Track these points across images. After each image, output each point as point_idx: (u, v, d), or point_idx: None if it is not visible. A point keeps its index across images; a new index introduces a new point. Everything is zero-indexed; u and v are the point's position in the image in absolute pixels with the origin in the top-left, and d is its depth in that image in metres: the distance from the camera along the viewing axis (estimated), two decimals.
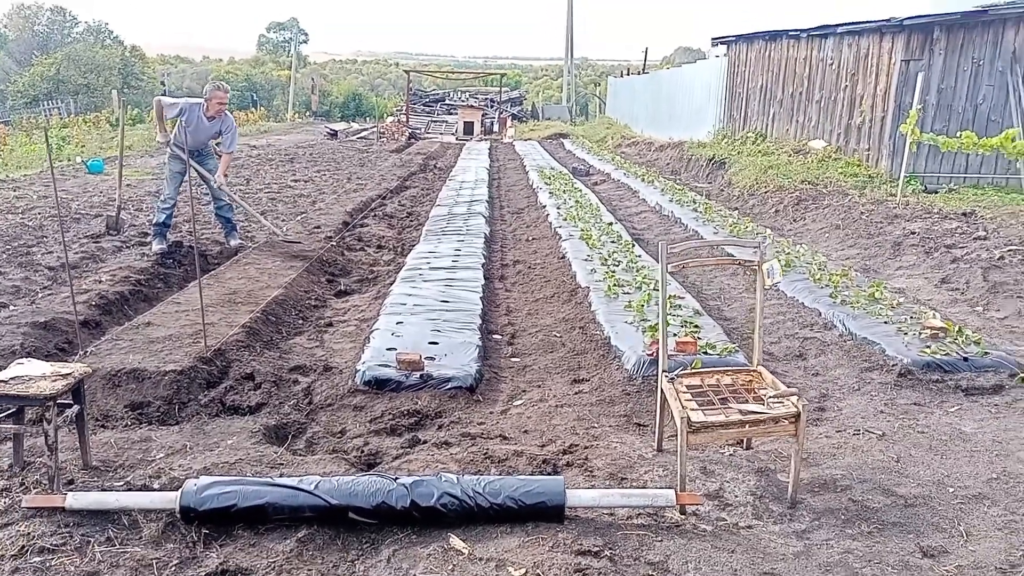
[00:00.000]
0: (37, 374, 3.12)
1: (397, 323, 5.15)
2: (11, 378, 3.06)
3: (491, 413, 4.12)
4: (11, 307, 5.41)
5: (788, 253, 6.75)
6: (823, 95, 13.04)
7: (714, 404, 3.18)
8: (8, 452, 3.35)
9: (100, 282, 5.96)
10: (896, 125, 10.85)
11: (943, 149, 9.07)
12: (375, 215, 10.01)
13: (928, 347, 4.45)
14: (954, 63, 10.89)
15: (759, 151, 13.65)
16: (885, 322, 4.94)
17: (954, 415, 3.80)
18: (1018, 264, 6.06)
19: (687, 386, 3.34)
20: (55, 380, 3.10)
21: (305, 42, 76.76)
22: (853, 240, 7.72)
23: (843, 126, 12.33)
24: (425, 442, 3.73)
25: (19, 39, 53.43)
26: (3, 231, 7.68)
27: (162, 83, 39.84)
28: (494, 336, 5.35)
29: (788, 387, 3.26)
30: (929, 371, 4.22)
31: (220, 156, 7.37)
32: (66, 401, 3.20)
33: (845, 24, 12.40)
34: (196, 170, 7.25)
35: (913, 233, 7.34)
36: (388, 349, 4.61)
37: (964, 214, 7.88)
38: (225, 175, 7.36)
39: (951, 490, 3.08)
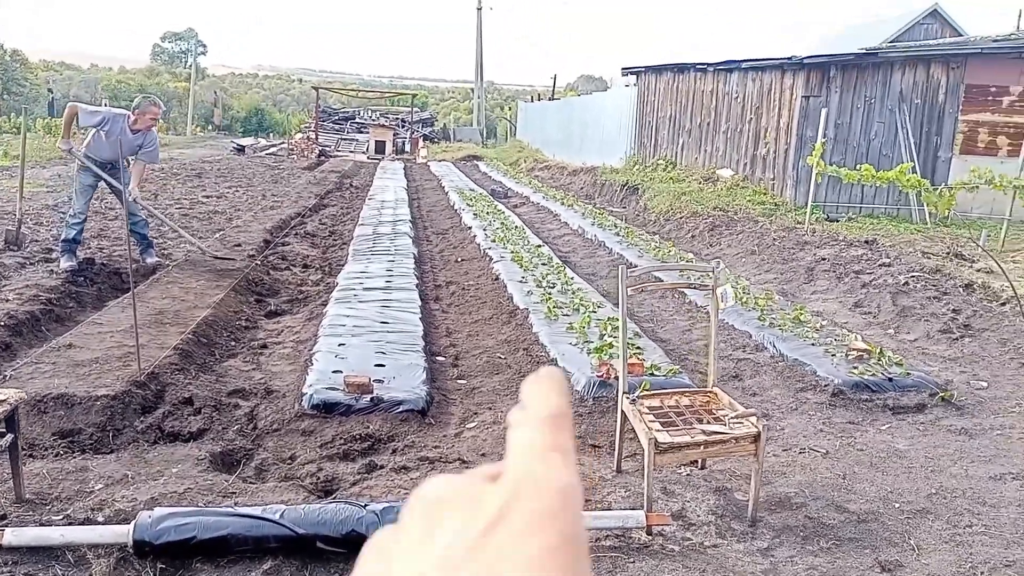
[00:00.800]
0: None
1: (339, 345, 5.02)
2: None
3: (445, 436, 4.08)
4: None
5: None
6: (729, 126, 13.71)
7: (677, 425, 3.27)
8: None
9: (7, 301, 5.54)
10: (798, 156, 11.54)
11: (845, 180, 9.70)
12: (296, 233, 9.75)
13: (855, 368, 4.73)
14: (849, 100, 11.71)
15: (671, 177, 14.17)
16: (812, 344, 5.22)
17: (887, 433, 4.05)
18: (921, 289, 6.54)
19: (648, 407, 3.42)
20: None
21: (203, 54, 74.35)
22: (768, 265, 8.12)
23: (749, 156, 12.99)
24: (382, 467, 3.65)
25: None
26: None
27: (49, 90, 37.55)
28: (438, 358, 5.31)
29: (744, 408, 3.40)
30: (858, 391, 4.48)
31: (131, 168, 7.01)
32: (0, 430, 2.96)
33: (749, 60, 13.11)
34: (108, 183, 6.88)
35: (823, 259, 7.79)
36: (334, 372, 4.50)
37: (867, 242, 8.44)
38: (140, 188, 7.02)
39: (896, 505, 3.28)
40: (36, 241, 7.69)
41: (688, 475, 3.61)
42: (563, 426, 0.34)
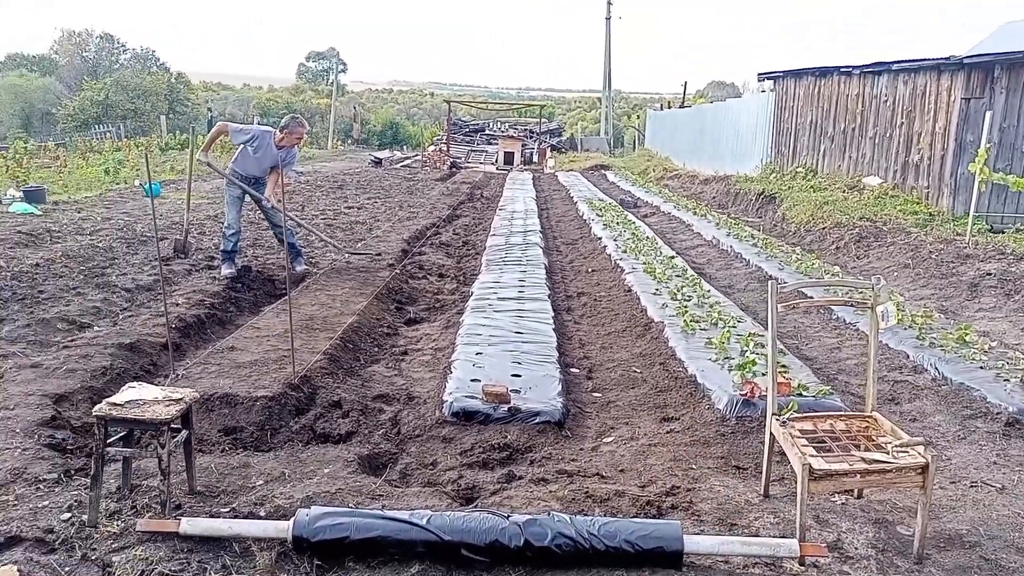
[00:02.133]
0: (150, 398, 3.13)
1: (476, 354, 5.11)
2: (126, 402, 3.07)
3: (582, 450, 4.06)
4: (95, 327, 5.48)
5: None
6: (877, 131, 12.92)
7: (833, 451, 3.09)
8: (114, 474, 3.35)
9: (177, 304, 6.02)
10: (957, 163, 10.71)
11: (1013, 188, 8.90)
12: (431, 244, 10.05)
13: None
14: (1016, 102, 10.73)
15: (811, 186, 13.53)
16: (981, 367, 4.80)
17: None
18: None
19: (800, 430, 3.25)
20: (168, 405, 3.11)
21: (343, 71, 78.27)
22: (925, 280, 7.57)
23: (899, 163, 12.19)
24: (521, 477, 3.67)
25: (69, 65, 55.09)
26: (76, 252, 7.82)
27: (208, 109, 40.75)
28: (572, 370, 5.30)
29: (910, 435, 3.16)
30: None
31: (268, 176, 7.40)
32: (176, 426, 3.21)
33: (900, 61, 12.32)
34: (253, 197, 7.31)
35: (989, 274, 7.17)
36: (472, 380, 4.58)
37: None
38: (277, 198, 7.39)
39: None
40: (200, 249, 8.32)
41: (843, 504, 3.40)
42: None
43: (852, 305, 3.64)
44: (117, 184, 15.36)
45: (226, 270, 7.16)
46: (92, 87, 41.40)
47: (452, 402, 4.29)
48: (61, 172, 17.08)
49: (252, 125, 7.70)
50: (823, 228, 10.64)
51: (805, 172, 14.85)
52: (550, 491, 3.48)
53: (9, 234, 8.50)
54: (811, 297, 6.19)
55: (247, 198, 7.41)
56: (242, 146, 7.25)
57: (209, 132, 7.79)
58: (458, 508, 3.26)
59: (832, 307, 6.31)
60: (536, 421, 4.20)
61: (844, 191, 12.55)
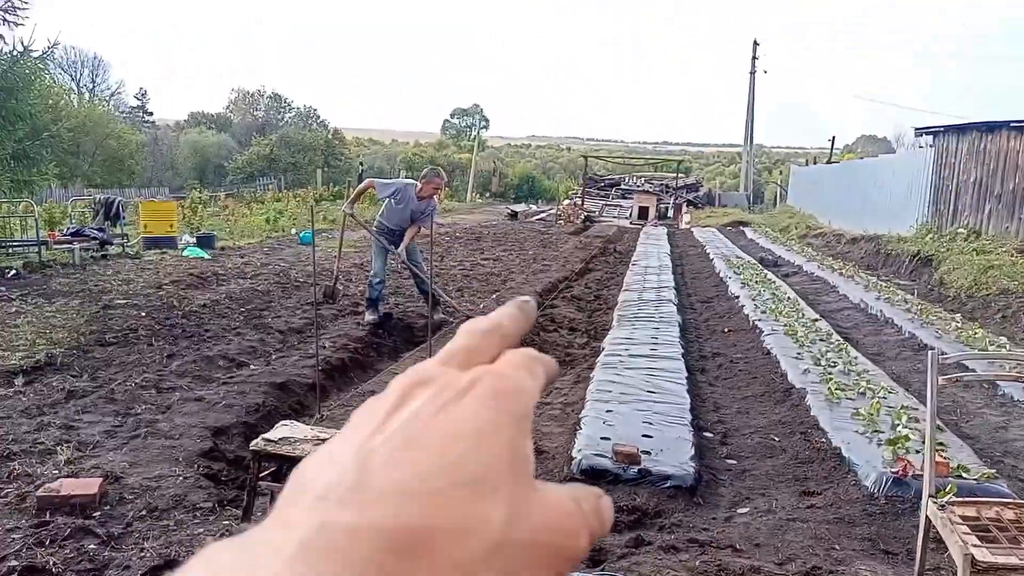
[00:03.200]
0: (300, 436, 3.33)
1: (607, 411, 5.07)
2: (280, 439, 3.29)
3: (714, 519, 3.90)
4: (251, 366, 5.91)
5: None
6: None
7: (1000, 542, 2.81)
8: (261, 507, 3.57)
9: (324, 348, 6.38)
10: None
11: None
12: (563, 297, 10.13)
13: None
14: None
15: (973, 249, 12.55)
16: None
17: None
18: None
19: (961, 516, 2.98)
20: (316, 444, 3.29)
21: (485, 127, 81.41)
22: None
23: None
24: (650, 543, 3.57)
25: (242, 122, 60.69)
26: (237, 294, 8.50)
27: (360, 163, 43.43)
28: (706, 434, 5.13)
29: None
30: None
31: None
32: None
33: None
34: (385, 245, 7.61)
35: None
36: (602, 438, 4.53)
37: None
38: (408, 247, 7.73)
39: None
40: (347, 296, 8.82)
41: None
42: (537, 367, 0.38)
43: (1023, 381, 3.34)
44: (276, 232, 16.62)
45: (370, 316, 7.54)
46: (259, 143, 45.33)
47: (581, 459, 4.26)
48: (228, 220, 18.71)
49: (397, 179, 8.15)
50: (987, 295, 9.82)
51: (967, 234, 13.82)
52: (680, 560, 3.36)
53: (183, 276, 9.38)
54: (974, 370, 5.70)
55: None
56: (387, 199, 7.66)
57: (358, 185, 8.35)
58: (585, 570, 3.22)
59: (999, 383, 5.78)
60: (667, 485, 4.09)
61: (1013, 255, 11.55)
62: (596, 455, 4.31)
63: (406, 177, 8.35)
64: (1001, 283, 9.98)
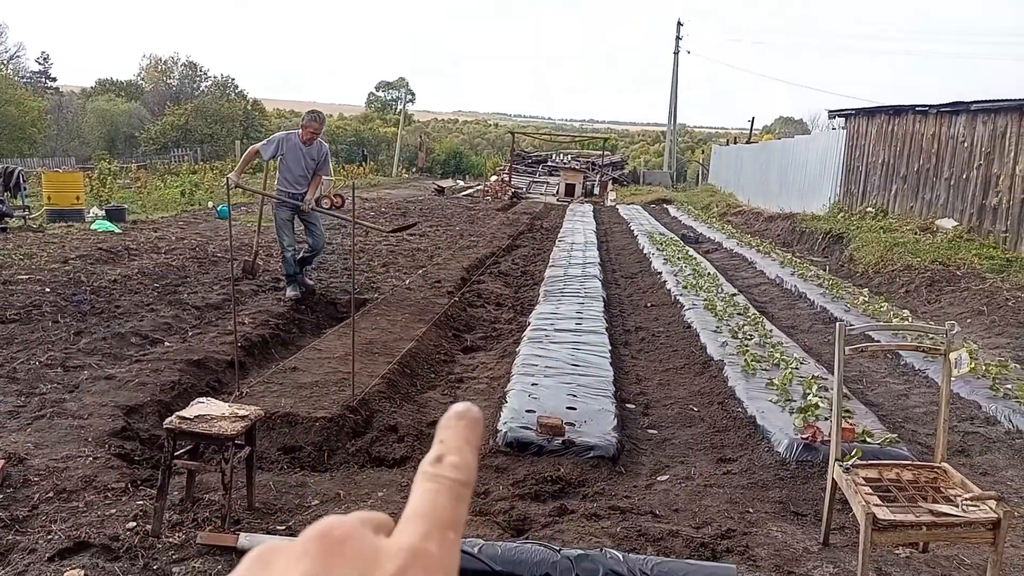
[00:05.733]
0: (218, 414, 3.24)
1: (532, 384, 5.12)
2: (195, 416, 3.19)
3: (635, 487, 4.01)
4: (166, 343, 5.70)
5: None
6: (953, 173, 12.53)
7: (898, 501, 2.98)
8: (178, 486, 3.46)
9: (243, 324, 6.21)
10: None
11: None
12: (490, 272, 10.14)
13: None
14: None
15: (881, 227, 13.16)
16: None
17: None
18: None
19: (864, 478, 3.15)
20: (234, 421, 3.21)
21: (411, 101, 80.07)
22: (1000, 328, 7.26)
23: (976, 206, 11.77)
24: (573, 512, 3.64)
25: (154, 91, 57.86)
26: (151, 270, 8.16)
27: None
28: (628, 405, 5.25)
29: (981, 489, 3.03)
30: None
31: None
32: (240, 442, 3.30)
33: (980, 101, 11.96)
34: (293, 205, 7.19)
35: None
36: (527, 411, 4.58)
37: None
38: (310, 203, 7.41)
39: None
40: (268, 271, 8.58)
41: (907, 558, 3.27)
42: (467, 496, 0.37)
43: (923, 351, 3.53)
44: (192, 206, 16.01)
45: (291, 292, 7.36)
46: (173, 112, 43.39)
47: (506, 432, 4.29)
48: (141, 193, 17.90)
49: (276, 134, 7.65)
50: (892, 270, 10.33)
51: (875, 212, 14.47)
52: (602, 527, 3.44)
53: (91, 251, 8.93)
54: (879, 341, 6.01)
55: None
56: (278, 159, 7.22)
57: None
58: (509, 539, 3.25)
59: (900, 353, 6.11)
60: (590, 455, 4.17)
61: (916, 233, 12.17)
62: (521, 428, 4.35)
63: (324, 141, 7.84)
64: (905, 259, 10.51)
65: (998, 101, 11.51)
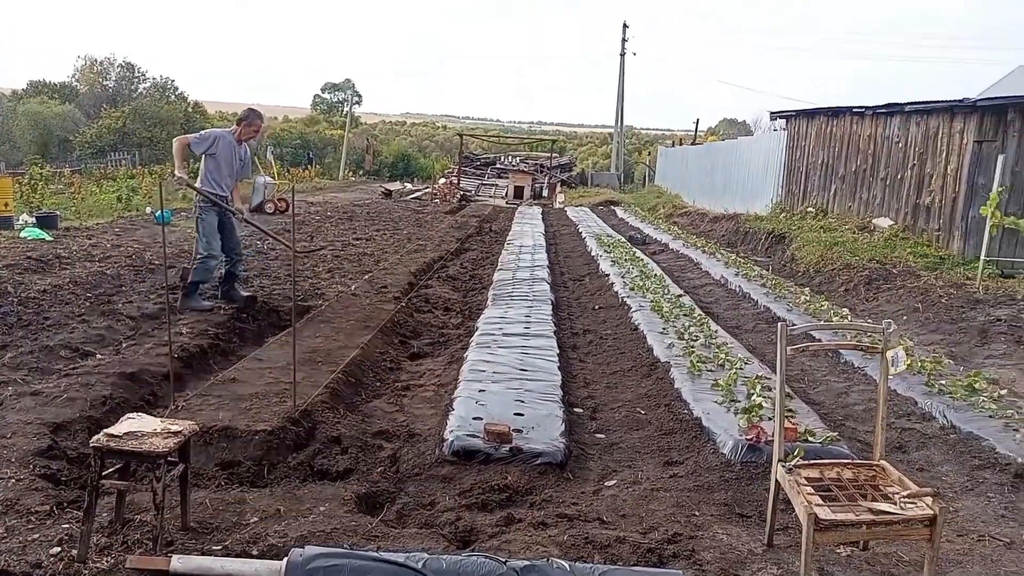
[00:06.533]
0: (149, 430, 3.10)
1: (479, 391, 5.06)
2: (124, 433, 3.04)
3: (583, 493, 3.98)
4: (98, 355, 5.47)
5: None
6: (888, 173, 12.92)
7: (839, 500, 3.01)
8: (107, 507, 3.31)
9: (180, 334, 6.01)
10: (968, 206, 10.66)
11: None
12: (438, 277, 10.05)
13: None
14: None
15: (821, 226, 13.50)
16: (990, 416, 4.72)
17: None
18: None
19: (806, 478, 3.18)
20: (166, 437, 3.08)
21: (358, 103, 79.16)
22: (935, 324, 7.49)
23: (910, 205, 12.16)
24: (520, 520, 3.60)
25: (90, 93, 55.99)
26: (83, 279, 7.85)
27: None
28: (576, 409, 5.24)
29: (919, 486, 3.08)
30: None
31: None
32: (173, 459, 3.17)
33: (913, 103, 12.35)
34: (225, 209, 6.92)
35: (999, 320, 7.09)
36: (475, 419, 4.52)
37: None
38: (241, 210, 7.25)
39: None
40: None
41: (848, 556, 3.31)
42: None
43: (862, 350, 3.60)
44: (129, 211, 15.51)
45: (206, 303, 6.92)
46: (110, 115, 42.03)
47: (453, 440, 4.23)
48: (75, 198, 17.27)
49: (209, 130, 7.29)
50: (832, 269, 10.59)
51: (816, 212, 14.84)
52: (550, 536, 3.40)
53: (19, 259, 8.56)
54: (820, 340, 6.13)
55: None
56: (205, 157, 6.86)
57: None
58: (455, 551, 3.19)
59: (841, 351, 6.24)
60: (538, 462, 4.13)
61: (854, 232, 12.52)
62: (468, 436, 4.29)
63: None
64: (844, 258, 10.79)
65: (930, 103, 11.91)
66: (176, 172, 6.91)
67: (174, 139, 7.10)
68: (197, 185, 6.94)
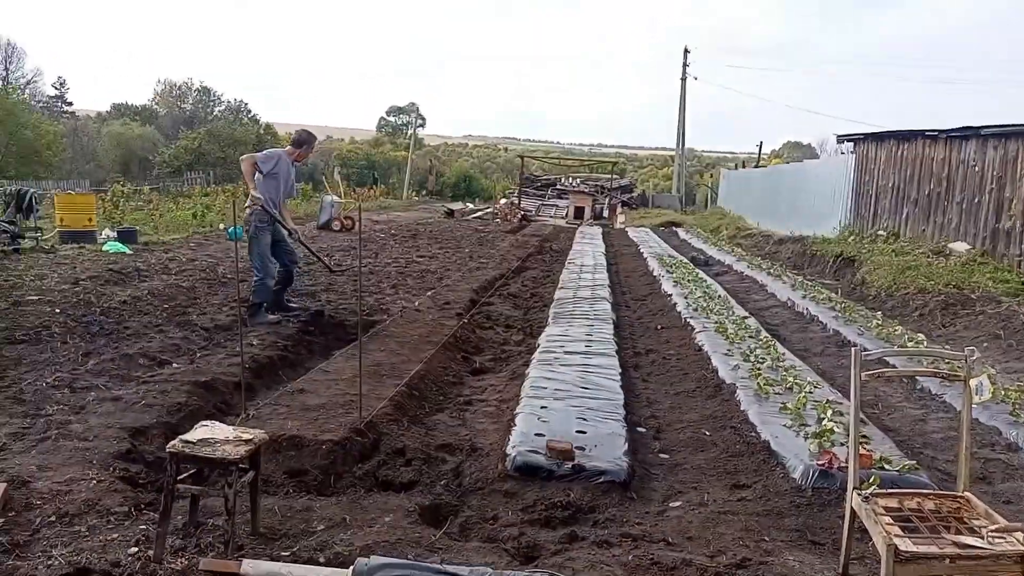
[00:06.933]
0: (221, 438, 3.18)
1: (541, 407, 5.05)
2: (199, 440, 3.13)
3: (647, 513, 3.92)
4: (174, 364, 5.67)
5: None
6: (964, 196, 12.46)
7: (920, 532, 2.89)
8: (181, 510, 3.40)
9: (251, 346, 6.18)
10: None
11: None
12: (500, 294, 10.10)
13: None
14: None
15: (892, 250, 13.07)
16: None
17: None
18: None
19: (884, 507, 3.06)
20: (238, 445, 3.15)
21: (422, 126, 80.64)
22: (1018, 352, 7.15)
23: (989, 229, 11.68)
24: (583, 539, 3.56)
25: (168, 115, 58.55)
26: (160, 291, 8.16)
27: None
28: (639, 429, 5.16)
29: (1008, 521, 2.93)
30: None
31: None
32: (244, 466, 3.25)
33: (990, 126, 11.92)
34: (283, 228, 7.13)
35: None
36: (536, 435, 4.50)
37: None
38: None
39: None
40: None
41: None
42: None
43: (942, 376, 3.46)
44: (203, 228, 16.08)
45: (271, 317, 7.08)
46: (187, 136, 43.85)
47: (515, 456, 4.22)
48: (153, 215, 18.02)
49: (270, 149, 7.44)
50: (906, 294, 10.22)
51: (887, 236, 14.39)
52: (613, 555, 3.35)
53: (101, 272, 8.96)
54: (896, 366, 5.91)
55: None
56: (266, 176, 7.00)
57: (296, 180, 7.64)
58: (517, 567, 3.17)
59: (917, 377, 6.01)
60: (601, 480, 4.08)
61: (928, 256, 12.08)
62: (530, 452, 4.27)
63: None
64: (918, 283, 10.41)
65: (1009, 126, 11.47)
66: (253, 192, 7.03)
67: (242, 159, 7.25)
68: (255, 192, 7.00)
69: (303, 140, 7.33)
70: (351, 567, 2.89)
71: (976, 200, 12.10)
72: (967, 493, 3.13)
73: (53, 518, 3.29)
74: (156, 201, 20.86)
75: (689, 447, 4.89)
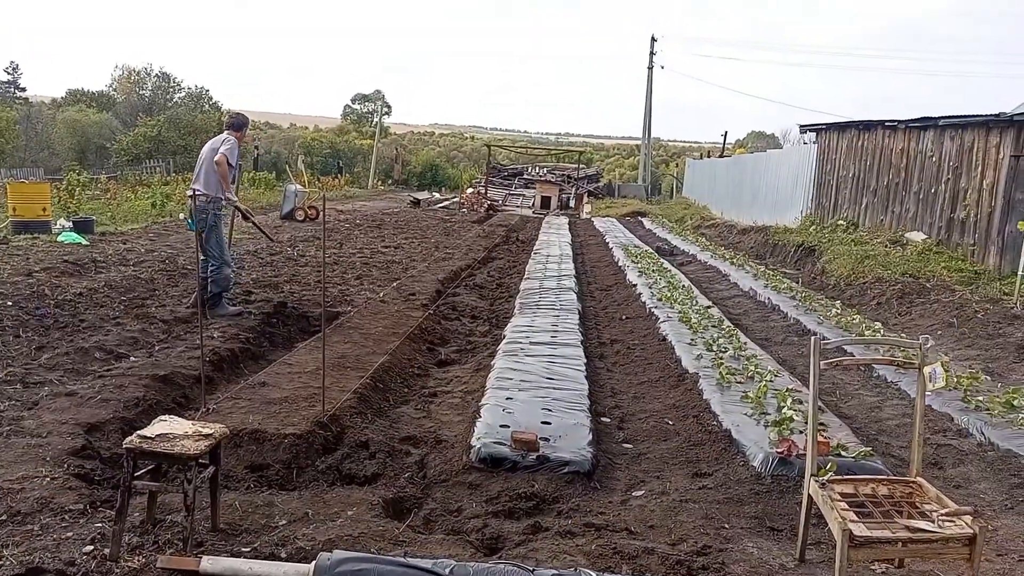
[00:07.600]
0: (180, 433, 3.13)
1: (507, 399, 5.05)
2: (157, 435, 3.08)
3: (611, 503, 3.95)
4: (131, 358, 5.55)
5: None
6: (922, 187, 12.71)
7: (874, 516, 2.95)
8: (139, 507, 3.34)
9: (212, 338, 6.08)
10: (1005, 221, 10.45)
11: None
12: (466, 285, 10.07)
13: None
14: None
15: (852, 240, 13.31)
16: None
17: None
18: None
19: (840, 493, 3.12)
20: (198, 440, 3.11)
21: (387, 114, 79.82)
22: (970, 340, 7.34)
23: (944, 219, 11.95)
24: (547, 529, 3.58)
25: (126, 101, 57.09)
26: (118, 283, 7.99)
27: (256, 147, 41.77)
28: (603, 419, 5.20)
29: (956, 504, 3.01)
30: None
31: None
32: (204, 461, 3.20)
33: (948, 117, 12.17)
34: (241, 210, 7.17)
35: None
36: (501, 426, 4.51)
37: None
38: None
39: None
40: (239, 284, 8.43)
41: (883, 574, 3.24)
42: None
43: (898, 365, 3.54)
44: (163, 217, 15.77)
45: (233, 309, 6.99)
46: (146, 123, 42.83)
47: (480, 447, 4.22)
48: (111, 204, 17.60)
49: (229, 139, 7.08)
50: (864, 283, 10.43)
51: (846, 225, 14.64)
52: (577, 545, 3.38)
53: (56, 263, 8.74)
54: (854, 355, 6.03)
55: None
56: (231, 167, 6.99)
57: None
58: (481, 559, 3.18)
59: (874, 365, 6.14)
60: (565, 471, 4.11)
61: (886, 246, 12.32)
62: (495, 443, 4.28)
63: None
64: (876, 272, 10.63)
65: (966, 117, 11.72)
66: (233, 199, 7.04)
67: (216, 162, 6.89)
68: (231, 196, 7.03)
69: (243, 123, 7.27)
70: (313, 562, 2.87)
71: (933, 190, 12.36)
72: (919, 478, 3.21)
73: (4, 517, 3.21)
74: (114, 190, 20.37)
75: (652, 437, 4.94)
